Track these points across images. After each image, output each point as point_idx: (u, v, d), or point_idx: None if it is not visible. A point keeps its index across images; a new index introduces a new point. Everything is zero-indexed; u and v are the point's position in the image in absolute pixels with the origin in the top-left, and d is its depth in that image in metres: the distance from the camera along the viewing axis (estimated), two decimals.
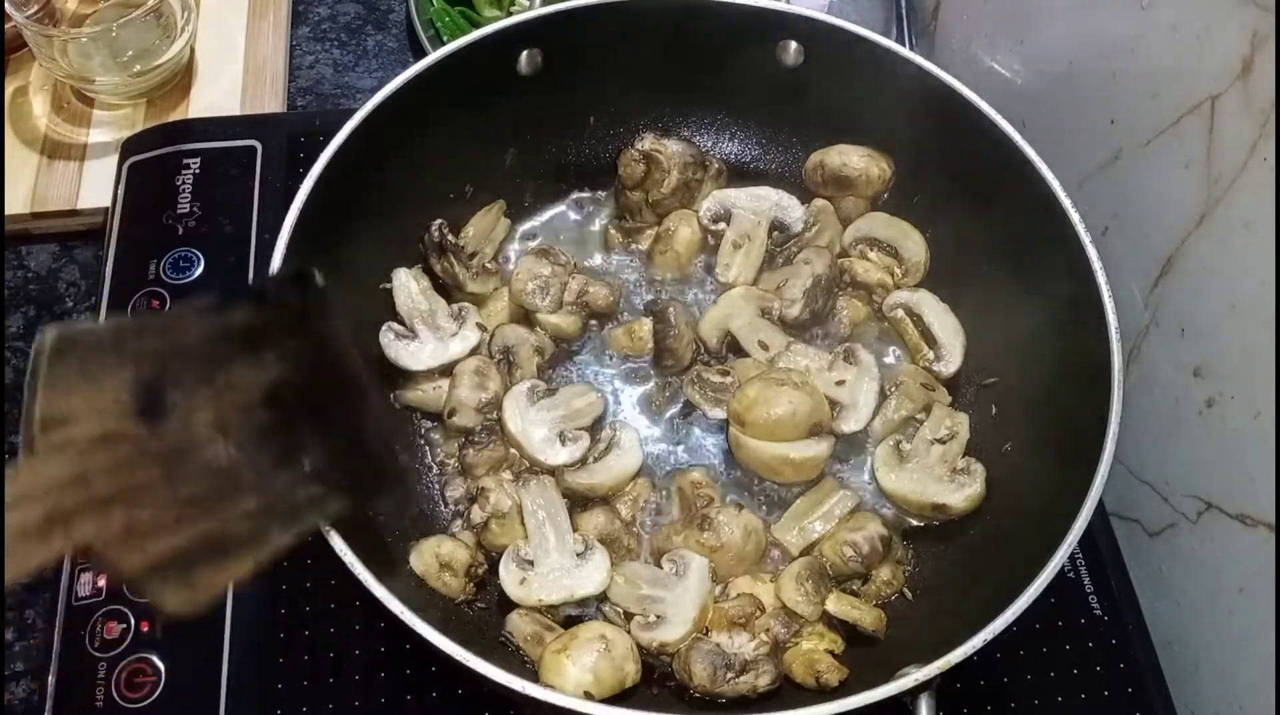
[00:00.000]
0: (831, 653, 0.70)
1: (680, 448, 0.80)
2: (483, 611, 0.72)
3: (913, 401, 0.78)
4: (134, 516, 0.44)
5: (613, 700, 0.59)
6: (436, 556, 0.70)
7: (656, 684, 0.69)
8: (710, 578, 0.71)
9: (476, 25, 1.05)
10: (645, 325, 0.82)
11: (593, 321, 0.85)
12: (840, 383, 0.78)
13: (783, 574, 0.72)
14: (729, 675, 0.66)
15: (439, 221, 0.82)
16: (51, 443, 0.43)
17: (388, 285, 0.80)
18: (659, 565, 0.72)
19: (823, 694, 0.66)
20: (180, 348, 0.48)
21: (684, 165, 0.87)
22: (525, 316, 0.83)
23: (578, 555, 0.71)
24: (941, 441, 0.76)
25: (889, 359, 0.84)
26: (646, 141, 0.87)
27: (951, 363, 0.81)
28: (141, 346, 0.47)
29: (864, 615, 0.70)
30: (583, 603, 0.71)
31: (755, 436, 0.74)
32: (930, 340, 0.83)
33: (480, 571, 0.72)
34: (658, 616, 0.69)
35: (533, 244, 0.88)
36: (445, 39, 1.05)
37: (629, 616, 0.70)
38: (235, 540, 0.49)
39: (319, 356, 0.52)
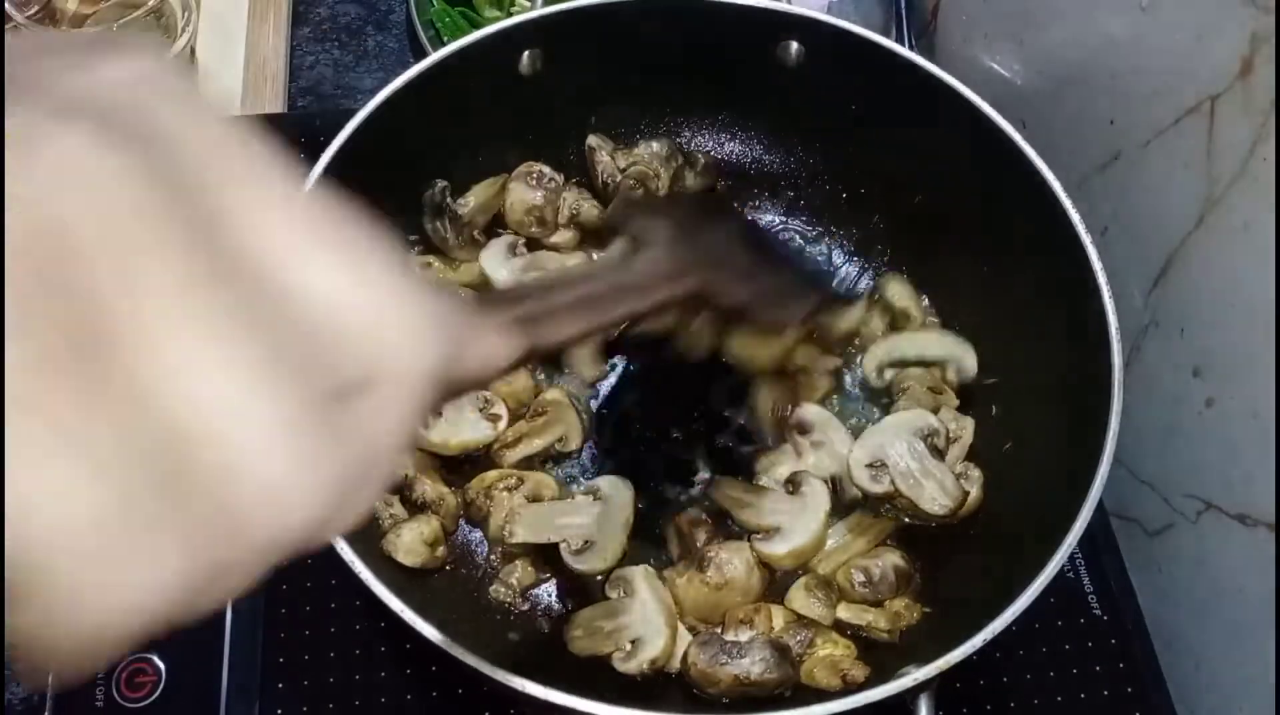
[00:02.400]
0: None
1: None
2: (485, 614, 0.72)
3: (920, 405, 0.78)
4: (711, 276, 0.55)
5: (611, 700, 0.58)
6: (422, 539, 0.71)
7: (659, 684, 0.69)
8: (657, 578, 0.72)
9: (477, 26, 1.05)
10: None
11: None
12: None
13: (790, 589, 0.73)
14: (724, 659, 0.66)
15: (443, 183, 0.83)
16: (653, 244, 0.54)
17: None
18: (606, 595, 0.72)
19: (824, 694, 0.66)
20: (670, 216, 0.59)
21: (664, 159, 0.88)
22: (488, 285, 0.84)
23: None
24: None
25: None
26: (618, 158, 0.87)
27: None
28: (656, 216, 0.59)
29: (876, 620, 0.70)
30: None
31: None
32: None
33: (452, 527, 0.74)
34: (633, 642, 0.69)
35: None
36: (445, 39, 1.05)
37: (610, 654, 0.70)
38: (768, 305, 0.63)
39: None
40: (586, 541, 0.72)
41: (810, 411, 0.79)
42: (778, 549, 0.73)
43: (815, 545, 0.74)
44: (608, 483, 0.75)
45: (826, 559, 0.74)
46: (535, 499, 0.74)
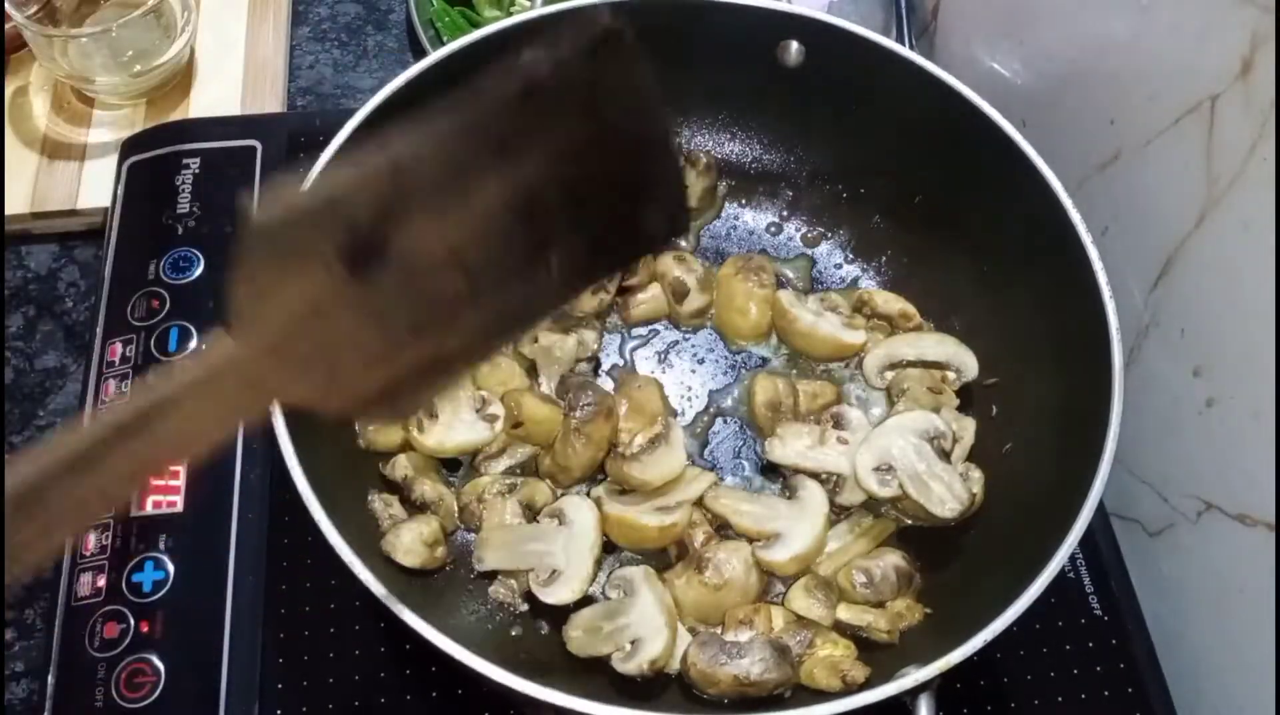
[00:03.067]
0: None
1: None
2: (485, 614, 0.72)
3: (919, 406, 0.78)
4: (336, 366, 0.40)
5: (611, 699, 0.59)
6: (421, 540, 0.71)
7: (659, 684, 0.69)
8: (658, 580, 0.71)
9: (477, 25, 1.05)
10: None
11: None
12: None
13: (790, 589, 0.73)
14: (724, 659, 0.66)
15: None
16: (249, 322, 0.39)
17: None
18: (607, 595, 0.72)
19: (824, 695, 0.66)
20: (408, 186, 0.39)
21: None
22: None
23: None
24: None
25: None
26: None
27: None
28: (358, 206, 0.39)
29: (876, 621, 0.70)
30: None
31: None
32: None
33: (451, 527, 0.74)
34: (633, 642, 0.68)
35: None
36: (445, 39, 1.05)
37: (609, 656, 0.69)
38: (450, 358, 0.43)
39: (609, 129, 0.44)
40: (554, 571, 0.71)
41: (853, 414, 0.79)
42: (779, 555, 0.73)
43: (816, 549, 0.74)
44: (571, 504, 0.74)
45: (828, 560, 0.74)
46: (529, 505, 0.74)
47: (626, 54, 0.43)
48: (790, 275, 0.89)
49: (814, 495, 0.75)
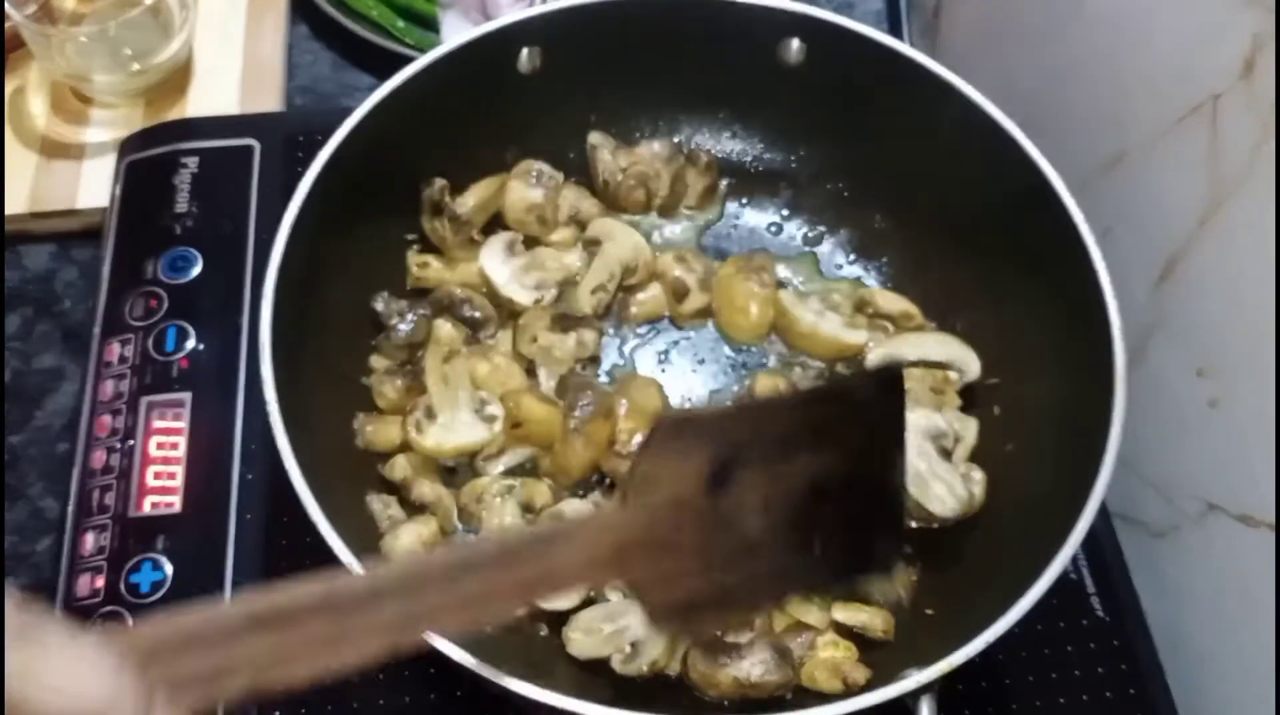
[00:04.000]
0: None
1: None
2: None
3: (921, 406, 0.77)
4: (674, 564, 0.49)
5: (612, 701, 0.58)
6: (420, 541, 0.70)
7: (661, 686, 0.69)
8: None
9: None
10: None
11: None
12: None
13: None
14: (724, 662, 0.66)
15: (442, 182, 0.82)
16: (639, 499, 0.49)
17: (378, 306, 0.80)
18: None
19: (826, 697, 0.66)
20: (760, 436, 0.51)
21: (665, 159, 0.88)
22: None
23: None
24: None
25: None
26: (619, 158, 0.87)
27: None
28: (732, 435, 0.51)
29: (872, 619, 0.69)
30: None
31: None
32: None
33: (450, 528, 0.74)
34: (633, 644, 0.68)
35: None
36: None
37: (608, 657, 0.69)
38: (737, 597, 0.53)
39: (869, 458, 0.55)
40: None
41: None
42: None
43: None
44: (571, 506, 0.73)
45: None
46: (527, 506, 0.74)
47: (898, 400, 0.55)
48: (791, 275, 0.89)
49: None
